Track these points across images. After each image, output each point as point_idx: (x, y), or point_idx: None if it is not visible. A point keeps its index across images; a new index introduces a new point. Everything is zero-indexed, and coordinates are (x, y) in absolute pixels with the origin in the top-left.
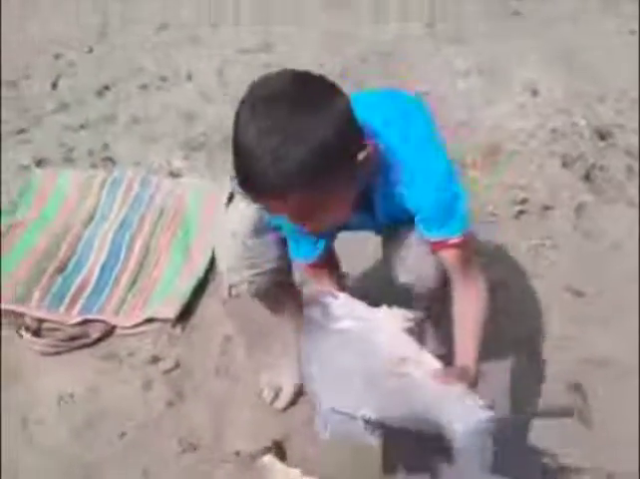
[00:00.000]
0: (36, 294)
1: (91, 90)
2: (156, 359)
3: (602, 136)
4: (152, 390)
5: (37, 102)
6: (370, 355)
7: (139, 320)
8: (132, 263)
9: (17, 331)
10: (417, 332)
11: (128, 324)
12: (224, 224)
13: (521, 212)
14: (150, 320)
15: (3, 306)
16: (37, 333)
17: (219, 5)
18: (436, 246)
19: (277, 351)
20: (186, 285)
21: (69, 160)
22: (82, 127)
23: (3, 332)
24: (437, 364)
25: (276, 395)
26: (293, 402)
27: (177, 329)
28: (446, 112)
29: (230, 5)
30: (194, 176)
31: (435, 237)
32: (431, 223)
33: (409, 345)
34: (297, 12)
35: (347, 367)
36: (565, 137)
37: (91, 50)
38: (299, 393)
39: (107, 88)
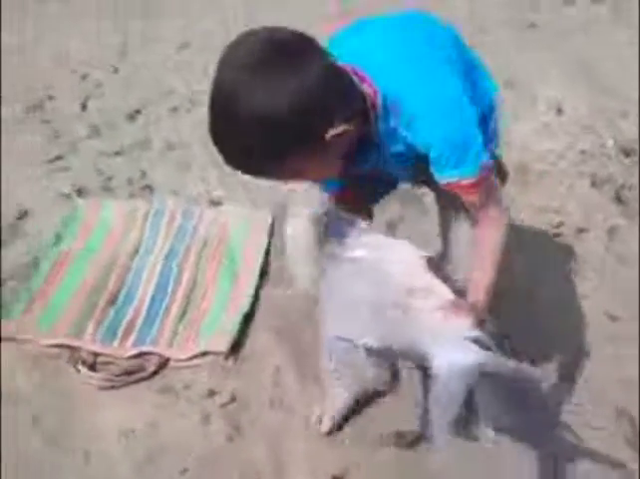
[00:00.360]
0: (89, 328)
1: (121, 113)
2: (212, 393)
3: (627, 153)
4: (210, 424)
5: (68, 126)
6: (380, 285)
7: (193, 353)
8: (180, 295)
9: (74, 366)
10: (433, 265)
11: (183, 357)
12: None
13: (557, 235)
14: (203, 353)
15: (58, 341)
16: (93, 367)
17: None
18: (449, 187)
19: (327, 381)
20: (234, 318)
21: (108, 189)
22: (117, 153)
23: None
24: (449, 296)
25: (332, 425)
26: (349, 435)
27: (230, 362)
28: None
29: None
30: (233, 202)
31: (446, 178)
32: (442, 163)
33: (422, 276)
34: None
35: (356, 296)
36: (594, 157)
37: (116, 70)
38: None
39: (138, 111)
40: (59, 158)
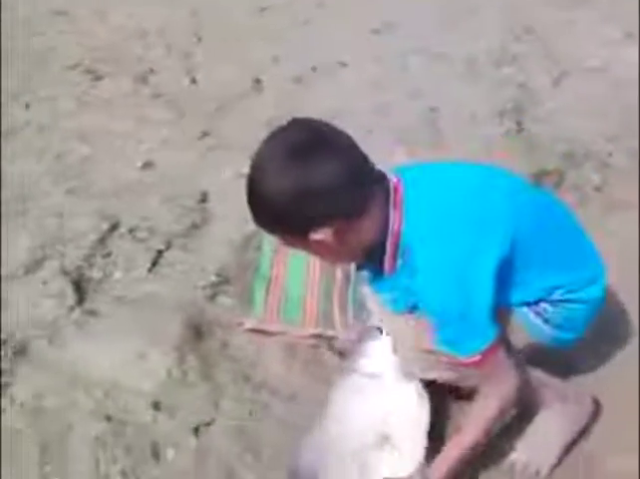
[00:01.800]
0: (336, 315)
1: (238, 86)
2: None
3: None
4: None
5: (186, 100)
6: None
7: None
8: None
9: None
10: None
11: None
12: None
13: None
14: None
15: (315, 331)
16: None
17: None
18: (448, 356)
19: None
20: None
21: None
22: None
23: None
24: (413, 457)
25: None
26: None
27: None
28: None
29: None
30: None
31: (448, 353)
32: (439, 334)
33: (404, 423)
34: None
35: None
36: None
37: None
38: None
39: (257, 81)
40: (205, 134)
